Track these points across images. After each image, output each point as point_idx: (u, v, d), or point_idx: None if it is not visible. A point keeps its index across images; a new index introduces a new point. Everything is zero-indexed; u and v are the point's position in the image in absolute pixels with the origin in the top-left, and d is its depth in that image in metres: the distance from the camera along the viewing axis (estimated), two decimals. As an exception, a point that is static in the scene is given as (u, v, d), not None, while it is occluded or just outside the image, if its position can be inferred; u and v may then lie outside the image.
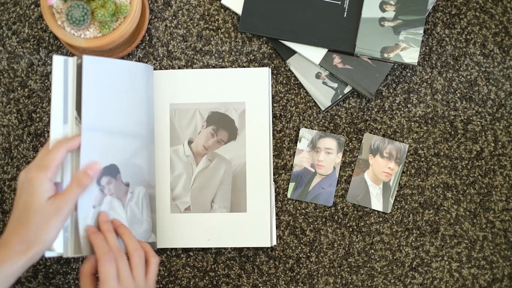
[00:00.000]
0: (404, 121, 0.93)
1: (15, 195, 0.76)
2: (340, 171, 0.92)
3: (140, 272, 0.76)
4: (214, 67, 0.93)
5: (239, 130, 0.90)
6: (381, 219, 0.92)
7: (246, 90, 0.91)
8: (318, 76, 0.92)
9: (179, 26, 0.94)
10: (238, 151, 0.90)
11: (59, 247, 0.76)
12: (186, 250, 0.91)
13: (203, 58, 0.93)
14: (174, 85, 0.91)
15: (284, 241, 0.91)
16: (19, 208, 0.74)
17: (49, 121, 0.93)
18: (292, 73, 0.93)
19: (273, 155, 0.92)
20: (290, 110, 0.93)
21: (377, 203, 0.91)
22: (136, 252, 0.77)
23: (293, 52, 0.92)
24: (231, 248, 0.91)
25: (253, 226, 0.89)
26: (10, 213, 0.92)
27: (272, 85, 0.93)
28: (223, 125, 0.90)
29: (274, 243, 0.90)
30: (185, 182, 0.90)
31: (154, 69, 0.92)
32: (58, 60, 0.79)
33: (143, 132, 0.87)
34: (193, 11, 0.94)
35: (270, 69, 0.91)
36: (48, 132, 0.93)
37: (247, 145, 0.90)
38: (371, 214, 0.92)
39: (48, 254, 0.76)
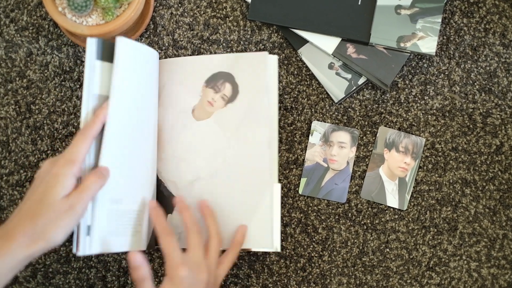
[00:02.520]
0: (421, 114, 0.88)
1: (31, 184, 0.71)
2: (354, 166, 0.88)
3: (213, 256, 0.75)
4: (222, 57, 0.89)
5: (240, 88, 0.84)
6: (396, 216, 0.88)
7: (244, 75, 0.85)
8: (331, 66, 0.88)
9: (185, 14, 0.89)
10: (236, 144, 0.83)
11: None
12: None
13: (210, 47, 0.89)
14: (177, 73, 0.86)
15: (295, 239, 0.87)
16: (32, 200, 0.69)
17: (48, 113, 0.88)
18: (304, 63, 0.89)
19: (284, 149, 0.88)
20: (302, 102, 0.89)
21: (392, 200, 0.87)
22: (216, 237, 0.77)
23: (304, 41, 0.88)
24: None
25: (255, 228, 0.82)
26: (7, 209, 0.88)
27: (283, 76, 0.89)
28: (225, 78, 0.85)
29: (278, 247, 0.82)
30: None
31: (160, 58, 0.88)
32: (91, 41, 0.75)
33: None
34: (200, -1, 0.90)
35: (267, 52, 0.84)
36: (48, 124, 0.88)
37: (246, 138, 0.84)
38: (386, 211, 0.88)
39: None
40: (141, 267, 0.71)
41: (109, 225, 0.75)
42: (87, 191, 0.70)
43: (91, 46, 0.75)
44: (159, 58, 0.88)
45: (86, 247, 0.72)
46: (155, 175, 0.84)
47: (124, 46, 0.77)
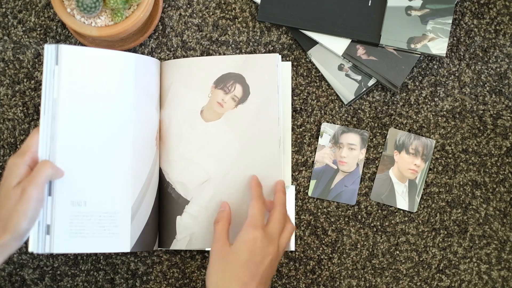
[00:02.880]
0: (431, 115, 0.88)
1: None
2: (363, 168, 0.87)
3: (276, 227, 0.76)
4: (231, 58, 0.88)
5: (251, 89, 0.84)
6: (406, 218, 0.87)
7: (255, 76, 0.85)
8: (340, 68, 0.88)
9: (194, 15, 0.89)
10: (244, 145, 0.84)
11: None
12: (201, 252, 0.87)
13: (219, 48, 0.89)
14: (184, 74, 0.86)
15: (304, 241, 0.87)
16: None
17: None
18: (313, 64, 0.88)
19: (293, 151, 0.87)
20: (311, 103, 0.88)
21: (402, 202, 0.87)
22: (277, 208, 0.78)
23: (314, 42, 0.88)
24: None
25: None
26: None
27: (292, 78, 0.88)
28: (235, 79, 0.85)
29: (292, 247, 0.85)
30: None
31: (168, 59, 0.88)
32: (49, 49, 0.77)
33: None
34: None
35: (280, 55, 0.85)
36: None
37: (257, 136, 0.84)
38: (396, 213, 0.87)
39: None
40: (224, 210, 0.80)
41: (72, 226, 0.76)
42: (37, 173, 0.71)
43: (49, 52, 0.76)
44: (168, 59, 0.87)
45: (46, 246, 0.74)
46: (145, 177, 0.82)
47: (67, 53, 0.77)
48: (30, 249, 0.74)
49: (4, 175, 0.72)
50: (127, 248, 0.79)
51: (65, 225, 0.76)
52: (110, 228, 0.78)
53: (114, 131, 0.80)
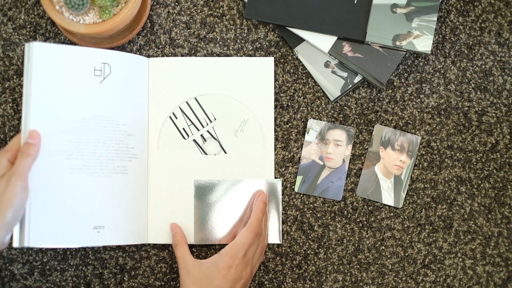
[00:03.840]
0: (416, 112, 0.89)
1: None
2: (349, 164, 0.88)
3: (254, 252, 0.81)
4: (218, 55, 0.89)
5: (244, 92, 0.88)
6: (392, 214, 0.88)
7: (249, 80, 0.87)
8: (327, 65, 0.89)
9: (182, 12, 0.90)
10: (238, 145, 0.87)
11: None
12: (189, 246, 0.87)
13: (207, 46, 0.89)
14: (175, 74, 0.87)
15: (291, 237, 0.88)
16: None
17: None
18: (300, 61, 0.89)
19: (280, 147, 0.88)
20: (298, 100, 0.89)
21: (388, 198, 0.88)
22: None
23: (301, 40, 0.89)
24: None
25: None
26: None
27: (279, 74, 0.89)
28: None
29: (280, 240, 0.87)
30: None
31: (156, 57, 0.89)
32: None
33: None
34: (197, -3, 0.90)
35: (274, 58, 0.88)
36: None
37: (249, 139, 0.87)
38: (382, 209, 0.88)
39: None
40: (176, 233, 0.83)
41: (47, 219, 0.77)
42: (19, 164, 0.74)
43: (30, 50, 0.78)
44: (156, 56, 0.88)
45: (23, 240, 0.75)
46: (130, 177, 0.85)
47: (34, 50, 0.78)
48: (14, 245, 0.75)
49: None
50: (99, 243, 0.81)
51: (40, 219, 0.76)
52: (87, 223, 0.80)
53: (96, 127, 0.81)
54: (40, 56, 0.78)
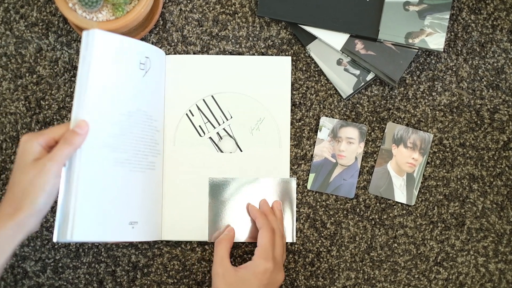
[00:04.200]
0: (429, 109, 0.89)
1: None
2: (362, 161, 0.88)
3: (281, 253, 0.81)
4: (231, 53, 0.89)
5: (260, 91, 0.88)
6: (404, 211, 0.88)
7: (266, 79, 0.87)
8: (339, 62, 0.89)
9: (194, 10, 0.90)
10: (255, 143, 0.87)
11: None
12: (201, 244, 0.88)
13: (219, 43, 0.89)
14: (192, 71, 0.88)
15: (304, 234, 0.88)
16: (11, 173, 0.72)
17: (58, 109, 0.89)
18: (312, 59, 0.89)
19: (292, 145, 0.88)
20: (310, 98, 0.89)
21: (400, 195, 0.88)
22: (278, 234, 0.82)
23: (313, 37, 0.89)
24: (247, 241, 0.87)
25: None
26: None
27: (291, 72, 0.89)
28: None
29: (294, 238, 0.87)
30: None
31: (168, 54, 0.89)
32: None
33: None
34: (209, -5, 0.90)
35: (280, 54, 0.88)
36: (57, 120, 0.89)
37: (265, 138, 0.87)
38: (394, 206, 0.88)
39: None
40: (228, 233, 0.83)
41: (91, 213, 0.74)
42: (58, 151, 0.71)
43: (90, 38, 0.76)
44: (168, 54, 0.88)
45: (66, 234, 0.72)
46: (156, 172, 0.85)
47: (96, 37, 0.77)
48: (54, 240, 0.73)
49: (18, 152, 0.72)
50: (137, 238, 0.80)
51: (85, 213, 0.74)
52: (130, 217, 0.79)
53: (138, 120, 0.81)
54: (99, 44, 0.77)
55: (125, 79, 0.80)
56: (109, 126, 0.77)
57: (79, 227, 0.72)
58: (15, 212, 0.68)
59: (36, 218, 0.70)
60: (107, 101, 0.77)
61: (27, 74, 0.89)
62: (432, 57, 0.89)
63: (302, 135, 0.89)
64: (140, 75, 0.81)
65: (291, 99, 0.89)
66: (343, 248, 0.88)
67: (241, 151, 0.87)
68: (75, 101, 0.75)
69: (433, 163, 0.88)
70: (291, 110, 0.89)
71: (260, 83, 0.87)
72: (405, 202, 0.88)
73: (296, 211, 0.88)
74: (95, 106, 0.76)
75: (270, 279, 0.76)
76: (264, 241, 0.78)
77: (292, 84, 0.89)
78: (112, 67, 0.78)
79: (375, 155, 0.89)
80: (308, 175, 0.88)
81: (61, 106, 0.89)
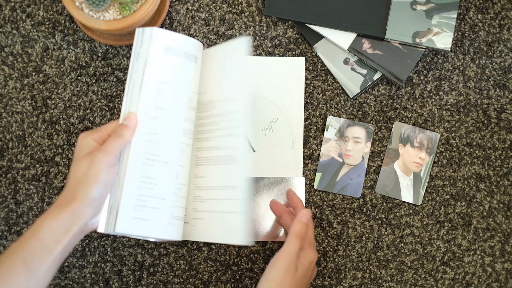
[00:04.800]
0: (436, 109, 0.89)
1: None
2: (368, 161, 0.88)
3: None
4: (237, 52, 0.89)
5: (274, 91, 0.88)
6: (411, 211, 0.88)
7: (280, 80, 0.87)
8: (346, 62, 0.89)
9: (201, 9, 0.90)
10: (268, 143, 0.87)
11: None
12: (207, 243, 0.88)
13: (226, 42, 0.89)
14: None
15: (310, 234, 0.88)
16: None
17: (64, 108, 0.89)
18: (319, 58, 0.89)
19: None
20: (317, 97, 0.89)
21: (407, 195, 0.88)
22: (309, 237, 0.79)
23: (320, 36, 0.89)
24: (255, 241, 0.87)
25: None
26: (23, 203, 0.88)
27: (298, 71, 0.89)
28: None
29: None
30: None
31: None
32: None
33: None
34: (216, -6, 0.90)
35: (293, 56, 0.88)
36: (64, 119, 0.89)
37: (278, 138, 0.87)
38: (401, 206, 0.88)
39: None
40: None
41: (137, 207, 0.74)
42: (108, 143, 0.73)
43: (148, 35, 0.77)
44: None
45: (109, 226, 0.73)
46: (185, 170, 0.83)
47: (154, 35, 0.77)
48: (98, 230, 0.74)
49: (75, 149, 0.74)
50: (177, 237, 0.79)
51: (130, 206, 0.74)
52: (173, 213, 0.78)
53: (178, 115, 0.80)
54: (156, 42, 0.77)
55: (178, 73, 0.79)
56: (158, 121, 0.77)
57: (123, 219, 0.73)
58: (70, 201, 0.70)
59: (91, 208, 0.71)
60: (162, 97, 0.77)
61: (33, 73, 0.89)
62: (439, 56, 0.89)
63: (309, 135, 0.89)
64: (192, 68, 0.81)
65: (298, 98, 0.89)
66: (349, 247, 0.88)
67: (254, 151, 0.87)
68: (126, 97, 0.76)
69: (440, 163, 0.88)
70: (298, 109, 0.89)
71: (274, 84, 0.87)
72: (411, 202, 0.88)
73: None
74: (149, 101, 0.76)
75: (307, 274, 0.76)
76: (288, 248, 0.75)
77: (299, 84, 0.89)
78: (167, 63, 0.78)
79: (381, 155, 0.88)
80: (315, 174, 0.88)
81: (68, 105, 0.89)
